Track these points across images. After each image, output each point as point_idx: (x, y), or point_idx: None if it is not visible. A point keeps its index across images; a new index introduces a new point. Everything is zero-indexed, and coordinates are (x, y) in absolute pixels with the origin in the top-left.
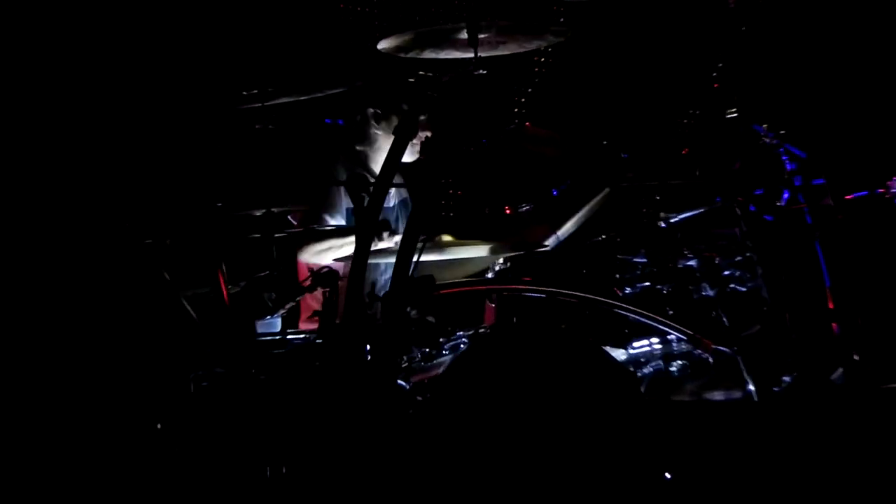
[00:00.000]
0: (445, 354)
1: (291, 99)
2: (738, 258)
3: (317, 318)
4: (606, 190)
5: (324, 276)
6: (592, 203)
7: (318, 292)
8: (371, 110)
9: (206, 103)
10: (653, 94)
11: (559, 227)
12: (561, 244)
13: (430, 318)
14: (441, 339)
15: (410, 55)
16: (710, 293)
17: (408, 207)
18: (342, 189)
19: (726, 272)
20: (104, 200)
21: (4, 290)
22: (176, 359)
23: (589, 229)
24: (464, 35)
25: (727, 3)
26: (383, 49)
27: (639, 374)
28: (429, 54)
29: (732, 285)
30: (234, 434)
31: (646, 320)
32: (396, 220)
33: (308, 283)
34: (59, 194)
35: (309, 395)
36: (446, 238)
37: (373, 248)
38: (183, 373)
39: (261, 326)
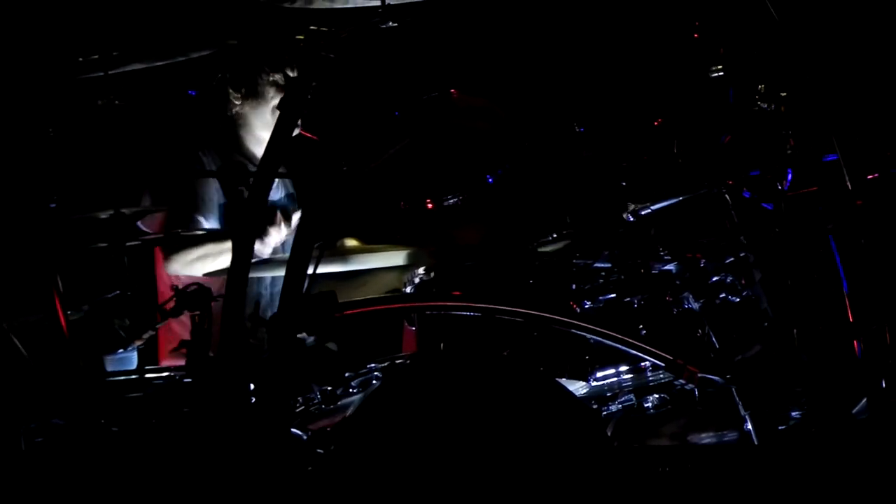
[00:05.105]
0: (353, 393)
1: (144, 66)
2: (730, 260)
3: (184, 350)
4: None
5: (192, 295)
6: None
7: (186, 317)
8: (223, 76)
9: (30, 71)
10: (615, 47)
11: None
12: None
13: (331, 346)
14: (347, 374)
15: (297, 5)
16: (695, 306)
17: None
18: (214, 182)
19: (715, 278)
20: None
21: None
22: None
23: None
24: None
25: None
26: None
27: (604, 413)
28: (321, 3)
29: (723, 295)
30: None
31: (611, 343)
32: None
33: (172, 305)
34: None
35: (175, 450)
36: (350, 243)
37: (256, 256)
38: (10, 426)
39: (111, 363)
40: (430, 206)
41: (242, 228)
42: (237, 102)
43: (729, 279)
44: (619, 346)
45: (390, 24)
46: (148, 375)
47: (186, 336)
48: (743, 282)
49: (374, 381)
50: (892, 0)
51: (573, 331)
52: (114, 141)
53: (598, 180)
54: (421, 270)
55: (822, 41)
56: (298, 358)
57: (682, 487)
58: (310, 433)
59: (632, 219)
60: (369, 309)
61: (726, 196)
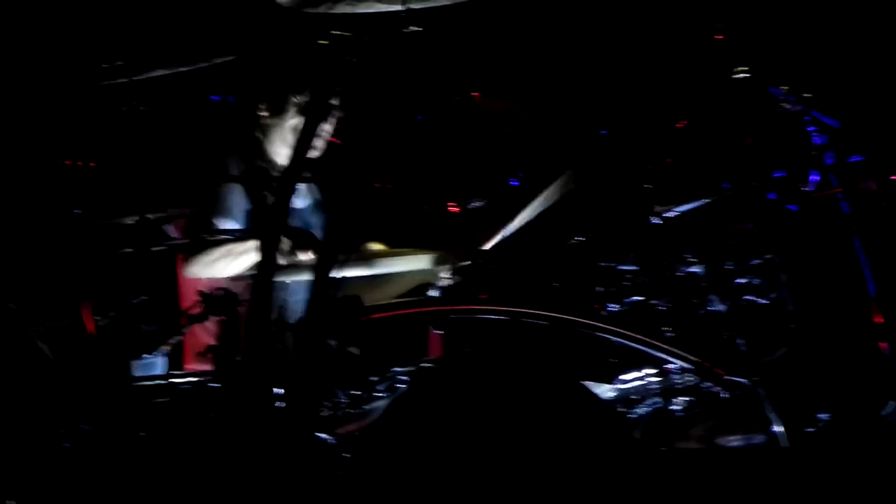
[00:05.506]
0: (379, 397)
1: (168, 72)
2: (755, 262)
3: (211, 354)
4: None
5: (218, 300)
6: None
7: (212, 322)
8: (255, 86)
9: (54, 78)
10: (638, 50)
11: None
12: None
13: (354, 350)
14: (373, 378)
15: (320, 10)
16: (721, 308)
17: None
18: (239, 187)
19: (740, 280)
20: None
21: None
22: (29, 413)
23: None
24: None
25: None
26: (284, 2)
27: (631, 416)
28: (344, 8)
29: (749, 297)
30: None
31: (638, 346)
32: (308, 227)
33: (198, 310)
34: None
35: (203, 455)
36: (375, 247)
37: (281, 261)
38: (39, 431)
39: (138, 368)
40: (454, 209)
41: (268, 233)
42: (264, 115)
43: (755, 282)
44: (646, 349)
45: (413, 28)
46: (175, 380)
47: (210, 340)
48: (769, 284)
49: (400, 385)
50: None
51: (599, 334)
52: (138, 146)
53: (623, 183)
54: (446, 274)
55: (847, 42)
56: (325, 362)
57: (709, 490)
58: (337, 437)
59: (657, 221)
60: (394, 313)
61: (751, 198)
